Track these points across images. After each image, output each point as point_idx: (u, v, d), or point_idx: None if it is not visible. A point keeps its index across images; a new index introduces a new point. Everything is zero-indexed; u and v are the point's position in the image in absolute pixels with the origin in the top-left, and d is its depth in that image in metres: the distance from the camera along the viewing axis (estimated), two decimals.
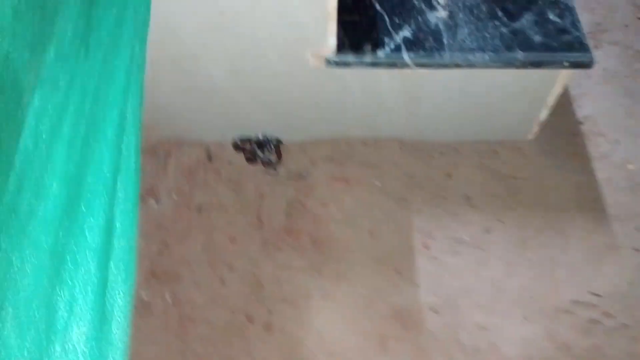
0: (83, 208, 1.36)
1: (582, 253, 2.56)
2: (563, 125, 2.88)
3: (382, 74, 2.34)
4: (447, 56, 2.23)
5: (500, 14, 2.36)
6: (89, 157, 1.40)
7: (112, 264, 1.32)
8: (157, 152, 2.81)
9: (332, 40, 2.18)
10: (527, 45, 2.26)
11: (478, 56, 2.23)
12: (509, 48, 2.25)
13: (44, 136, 1.36)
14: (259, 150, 2.75)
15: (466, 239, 2.58)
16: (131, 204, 1.41)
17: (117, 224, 1.37)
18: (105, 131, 1.43)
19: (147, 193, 2.69)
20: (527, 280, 2.49)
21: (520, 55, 2.23)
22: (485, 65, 2.24)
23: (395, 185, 2.68)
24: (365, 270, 2.48)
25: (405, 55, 2.23)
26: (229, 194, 2.70)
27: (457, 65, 2.25)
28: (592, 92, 3.06)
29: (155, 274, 2.49)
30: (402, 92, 2.45)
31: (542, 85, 2.44)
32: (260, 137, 2.75)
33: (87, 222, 1.35)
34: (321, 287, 2.43)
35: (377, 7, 2.40)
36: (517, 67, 2.25)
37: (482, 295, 2.42)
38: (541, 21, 2.33)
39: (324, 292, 2.43)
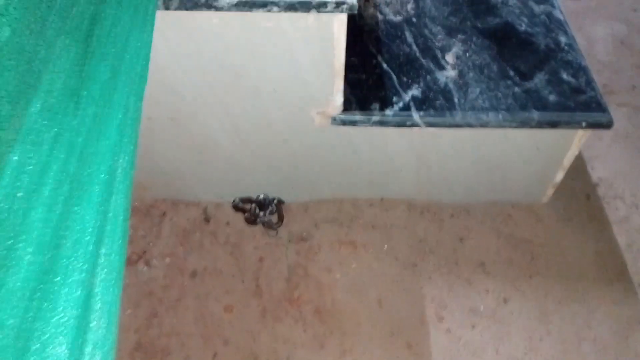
0: (59, 279, 1.18)
1: (608, 326, 2.35)
2: (578, 188, 2.76)
3: (391, 133, 2.23)
4: (458, 115, 2.13)
5: (511, 73, 2.29)
6: (69, 221, 1.23)
7: (87, 348, 1.13)
8: (151, 212, 2.65)
9: (338, 98, 2.08)
10: (542, 104, 2.16)
11: (491, 115, 2.13)
12: (524, 107, 2.15)
13: (20, 196, 1.21)
14: (260, 210, 2.59)
15: (482, 309, 2.38)
16: (115, 274, 1.24)
17: (97, 299, 1.19)
18: (90, 192, 1.28)
19: (138, 257, 2.50)
20: (551, 358, 2.26)
21: (535, 114, 2.13)
22: (499, 124, 2.13)
23: (405, 250, 2.51)
24: (373, 344, 2.26)
25: (415, 114, 2.13)
26: (226, 258, 2.51)
27: (470, 125, 2.14)
28: (604, 154, 2.96)
29: (142, 347, 2.25)
30: (411, 152, 2.34)
31: (557, 147, 2.33)
32: (261, 197, 2.61)
33: (61, 296, 1.16)
34: None
35: (384, 66, 2.33)
36: (532, 127, 2.15)
37: None
38: (555, 81, 2.26)
39: None
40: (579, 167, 2.84)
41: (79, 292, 1.15)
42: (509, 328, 2.32)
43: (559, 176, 2.48)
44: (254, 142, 2.27)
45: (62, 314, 1.13)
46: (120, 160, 1.39)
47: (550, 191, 2.58)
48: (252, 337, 2.29)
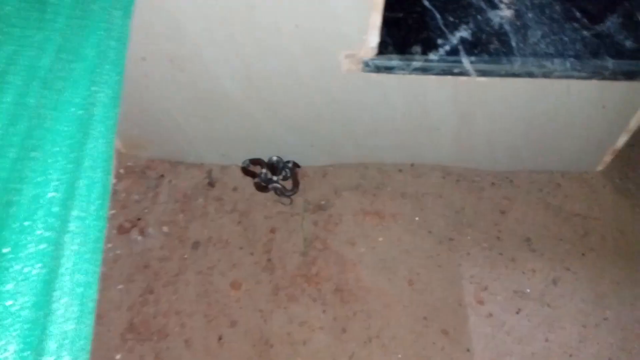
0: (8, 252, 0.85)
1: None
2: (638, 155, 2.41)
3: (432, 83, 1.86)
4: (517, 62, 1.77)
5: (578, 14, 1.91)
6: (26, 170, 0.89)
7: (49, 347, 0.81)
8: (147, 174, 2.30)
9: (373, 39, 1.71)
10: (617, 51, 1.79)
11: (557, 63, 1.76)
12: (595, 54, 1.78)
13: None
14: (272, 175, 2.25)
15: (529, 291, 2.06)
16: (91, 246, 0.90)
17: (65, 280, 0.86)
18: (56, 132, 0.92)
19: (132, 224, 2.17)
20: (607, 349, 1.96)
21: (610, 63, 1.76)
22: (565, 74, 1.77)
23: (440, 222, 2.18)
24: (404, 329, 1.94)
25: (465, 60, 1.77)
26: (233, 228, 2.18)
27: (530, 74, 1.78)
28: None
29: (135, 328, 1.94)
30: (453, 107, 1.98)
31: (626, 104, 1.97)
32: (274, 160, 2.26)
33: (11, 275, 0.84)
34: (346, 351, 1.89)
35: (426, 3, 1.94)
36: (605, 77, 1.79)
37: None
38: (630, 24, 1.88)
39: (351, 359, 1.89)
40: None
41: (37, 270, 0.82)
42: (559, 313, 2.01)
43: (621, 140, 2.13)
44: (269, 91, 1.91)
45: (13, 303, 0.79)
46: (100, 94, 1.03)
47: (607, 158, 2.23)
48: (262, 318, 1.97)
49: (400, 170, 2.32)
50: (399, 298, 2.01)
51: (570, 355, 1.92)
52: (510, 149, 2.24)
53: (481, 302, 2.02)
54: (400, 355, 1.90)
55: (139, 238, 2.13)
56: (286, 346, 1.92)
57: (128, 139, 2.22)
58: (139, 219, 2.18)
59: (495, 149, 2.23)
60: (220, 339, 1.94)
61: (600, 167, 2.29)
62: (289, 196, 2.25)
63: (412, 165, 2.33)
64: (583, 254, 2.14)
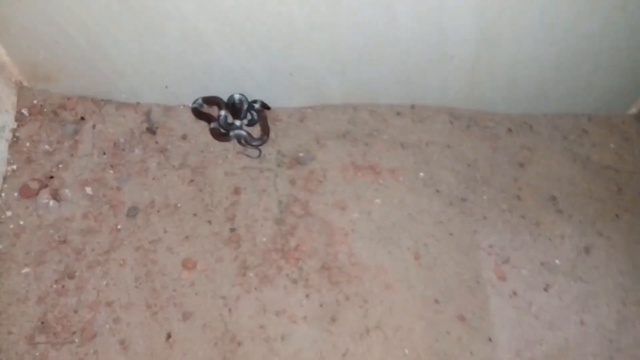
0: None
1: None
2: None
3: None
4: None
5: None
6: None
7: None
8: (61, 116, 1.70)
9: None
10: None
11: None
12: None
13: None
14: (235, 119, 1.71)
15: (558, 262, 1.67)
16: None
17: None
18: None
19: (40, 185, 1.59)
20: None
21: None
22: None
23: (449, 179, 1.73)
24: (410, 318, 1.52)
25: None
26: (183, 188, 1.65)
27: None
28: None
29: (48, 326, 1.42)
30: (476, 24, 1.51)
31: None
32: (236, 98, 1.72)
33: None
34: (338, 348, 1.45)
35: None
36: None
37: (589, 356, 1.52)
38: None
39: (345, 358, 1.45)
40: None
41: None
42: (594, 288, 1.65)
43: None
44: None
45: None
46: None
47: None
48: (226, 308, 1.49)
49: (398, 114, 1.83)
50: (403, 276, 1.57)
51: (610, 341, 1.56)
52: (533, 85, 1.80)
53: (503, 278, 1.61)
54: (407, 350, 1.47)
55: (52, 203, 1.56)
56: (259, 343, 1.45)
57: (30, 66, 1.60)
58: (51, 177, 1.60)
59: (515, 86, 1.79)
60: (169, 337, 1.44)
61: (633, 110, 1.88)
62: (256, 146, 1.73)
63: (412, 107, 1.85)
64: (617, 215, 1.77)
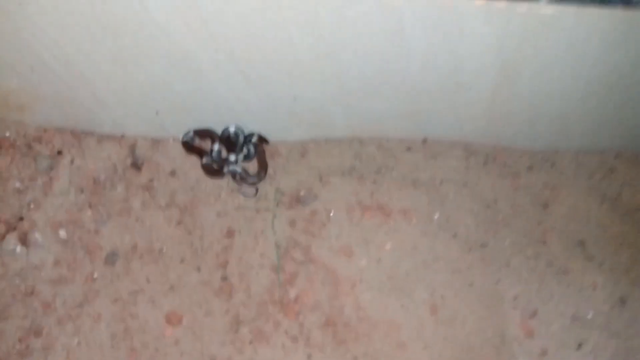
0: None
1: None
2: None
3: (474, 12, 1.22)
4: None
5: None
6: None
7: None
8: (36, 150, 1.53)
9: None
10: None
11: None
12: None
13: None
14: (229, 153, 1.55)
15: (591, 316, 1.49)
16: None
17: None
18: None
19: (8, 227, 1.41)
20: None
21: None
22: None
23: (467, 221, 1.57)
24: None
25: None
26: (170, 231, 1.48)
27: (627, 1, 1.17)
28: None
29: None
30: (497, 52, 1.36)
31: None
32: (232, 131, 1.56)
33: None
34: None
35: None
36: None
37: None
38: None
39: None
40: None
41: None
42: (633, 344, 1.47)
43: None
44: (221, 22, 1.20)
45: None
46: None
47: None
48: None
49: (408, 149, 1.67)
50: (418, 334, 1.38)
51: None
52: (556, 119, 1.66)
53: (530, 334, 1.43)
54: None
55: (19, 249, 1.38)
56: None
57: (2, 95, 1.44)
58: (20, 219, 1.42)
59: (537, 120, 1.64)
60: None
61: None
62: (253, 184, 1.57)
63: (424, 141, 1.69)
64: None
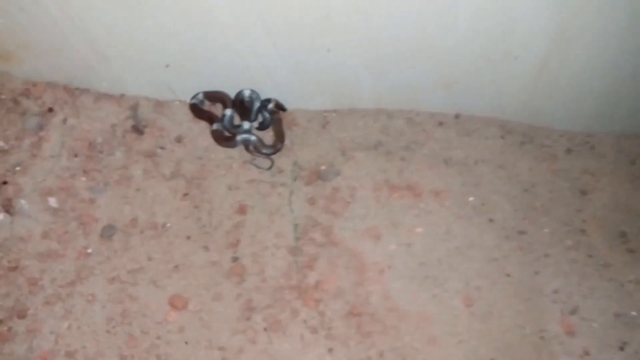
0: None
1: None
2: None
3: None
4: None
5: None
6: None
7: None
8: (23, 106, 1.35)
9: None
10: None
11: None
12: None
13: None
14: (243, 119, 1.38)
15: (634, 314, 1.37)
16: None
17: None
18: None
19: None
20: None
21: None
22: None
23: (504, 206, 1.44)
24: None
25: None
26: (175, 204, 1.31)
27: None
28: None
29: None
30: (553, 14, 1.19)
31: None
32: (246, 95, 1.39)
33: None
34: None
35: None
36: None
37: None
38: None
39: None
40: None
41: None
42: None
43: None
44: None
45: None
46: None
47: None
48: None
49: (440, 124, 1.52)
50: (451, 328, 1.26)
51: None
52: (602, 99, 1.54)
53: (571, 333, 1.31)
54: None
55: (3, 217, 1.21)
56: None
57: None
58: (4, 183, 1.25)
59: (581, 98, 1.51)
60: None
61: None
62: (268, 155, 1.40)
63: (456, 116, 1.55)
64: None
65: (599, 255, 1.48)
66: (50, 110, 1.35)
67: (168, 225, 1.32)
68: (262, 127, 1.48)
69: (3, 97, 1.33)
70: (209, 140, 1.43)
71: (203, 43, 1.31)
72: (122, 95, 1.43)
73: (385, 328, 1.25)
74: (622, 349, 1.35)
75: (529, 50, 1.39)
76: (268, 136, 1.48)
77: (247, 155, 1.45)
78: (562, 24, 1.29)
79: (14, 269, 1.20)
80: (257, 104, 1.47)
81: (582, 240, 1.50)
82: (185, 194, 1.37)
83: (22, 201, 1.24)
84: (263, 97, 1.49)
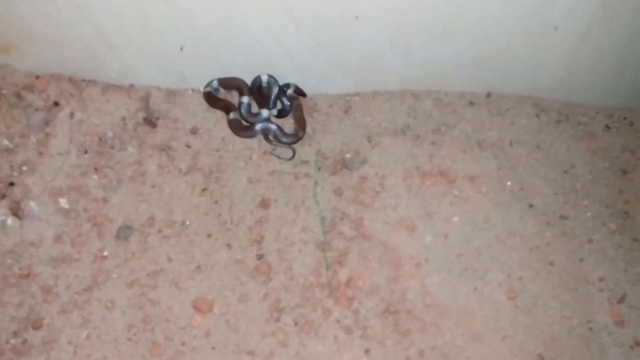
0: None
1: None
2: None
3: None
4: None
5: None
6: None
7: None
8: (27, 100, 1.26)
9: None
10: None
11: None
12: None
13: None
14: (261, 107, 1.29)
15: None
16: None
17: None
18: None
19: None
20: None
21: None
22: None
23: (543, 190, 1.36)
24: None
25: None
26: (192, 200, 1.24)
27: None
28: None
29: None
30: None
31: None
32: (264, 81, 1.29)
33: None
34: None
35: None
36: None
37: None
38: None
39: None
40: None
41: None
42: None
43: None
44: None
45: None
46: None
47: None
48: None
49: (471, 104, 1.43)
50: (495, 323, 1.17)
51: None
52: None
53: (620, 322, 1.23)
54: None
55: (11, 221, 1.13)
56: None
57: None
58: (11, 184, 1.16)
59: (620, 72, 1.41)
60: None
61: None
62: (289, 144, 1.31)
63: (488, 95, 1.45)
64: None
65: None
66: (56, 104, 1.26)
67: (187, 223, 1.24)
68: (282, 114, 1.39)
69: (5, 91, 1.24)
70: (226, 131, 1.34)
71: (219, 24, 1.20)
72: (132, 86, 1.33)
73: (424, 325, 1.17)
74: None
75: (570, 20, 1.28)
76: (288, 124, 1.38)
77: (267, 145, 1.35)
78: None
79: (26, 276, 1.12)
80: (275, 90, 1.37)
81: (626, 223, 1.41)
82: (204, 189, 1.28)
83: (32, 203, 1.15)
84: (281, 82, 1.39)
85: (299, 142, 1.36)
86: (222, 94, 1.37)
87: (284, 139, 1.35)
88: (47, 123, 1.23)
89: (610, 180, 1.46)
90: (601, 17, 1.25)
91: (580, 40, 1.32)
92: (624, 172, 1.47)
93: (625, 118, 1.55)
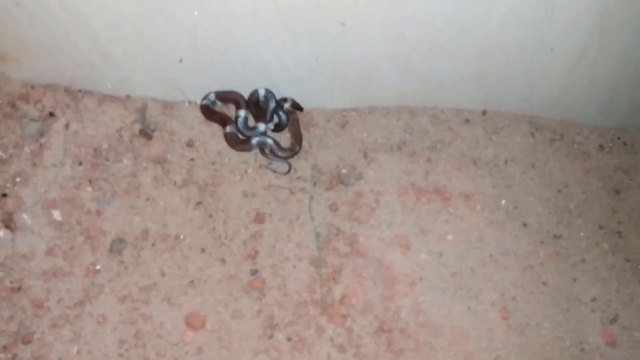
0: None
1: None
2: None
3: None
4: None
5: None
6: None
7: None
8: (22, 110, 1.25)
9: None
10: None
11: None
12: None
13: None
14: (258, 121, 1.29)
15: None
16: None
17: None
18: None
19: None
20: None
21: None
22: None
23: (537, 209, 1.38)
24: None
25: None
26: (188, 214, 1.23)
27: None
28: None
29: None
30: (597, 4, 1.10)
31: None
32: (261, 95, 1.29)
33: None
34: None
35: None
36: None
37: None
38: None
39: None
40: None
41: None
42: None
43: None
44: None
45: None
46: None
47: None
48: None
49: (466, 121, 1.43)
50: (488, 343, 1.17)
51: None
52: (636, 93, 1.41)
53: (612, 343, 1.24)
54: None
55: (3, 233, 1.11)
56: None
57: None
58: (3, 196, 1.14)
59: (617, 91, 1.41)
60: None
61: None
62: (285, 158, 1.30)
63: (483, 113, 1.45)
64: None
65: (636, 259, 1.40)
66: (51, 114, 1.25)
67: (181, 237, 1.23)
68: (279, 128, 1.39)
69: (1, 101, 1.23)
70: (222, 144, 1.33)
71: (217, 37, 1.20)
72: (128, 97, 1.32)
73: (417, 345, 1.17)
74: None
75: (566, 41, 1.29)
76: (285, 138, 1.38)
77: (263, 159, 1.35)
78: (602, 14, 1.20)
79: (17, 289, 1.10)
80: (272, 104, 1.37)
81: (619, 243, 1.42)
82: (199, 203, 1.27)
83: (24, 215, 1.14)
84: (278, 96, 1.39)
85: (295, 157, 1.36)
86: (219, 107, 1.37)
87: (280, 153, 1.34)
88: (41, 134, 1.22)
89: (604, 200, 1.47)
90: (597, 39, 1.26)
91: (576, 62, 1.33)
92: (617, 192, 1.48)
93: (619, 138, 1.57)
